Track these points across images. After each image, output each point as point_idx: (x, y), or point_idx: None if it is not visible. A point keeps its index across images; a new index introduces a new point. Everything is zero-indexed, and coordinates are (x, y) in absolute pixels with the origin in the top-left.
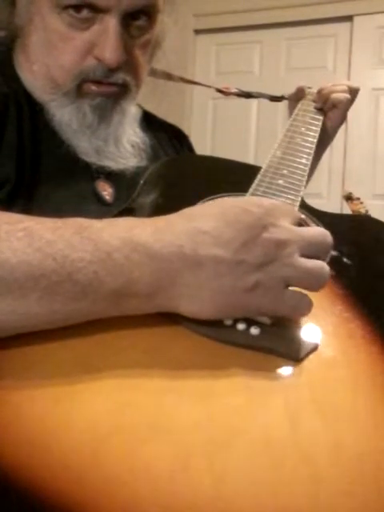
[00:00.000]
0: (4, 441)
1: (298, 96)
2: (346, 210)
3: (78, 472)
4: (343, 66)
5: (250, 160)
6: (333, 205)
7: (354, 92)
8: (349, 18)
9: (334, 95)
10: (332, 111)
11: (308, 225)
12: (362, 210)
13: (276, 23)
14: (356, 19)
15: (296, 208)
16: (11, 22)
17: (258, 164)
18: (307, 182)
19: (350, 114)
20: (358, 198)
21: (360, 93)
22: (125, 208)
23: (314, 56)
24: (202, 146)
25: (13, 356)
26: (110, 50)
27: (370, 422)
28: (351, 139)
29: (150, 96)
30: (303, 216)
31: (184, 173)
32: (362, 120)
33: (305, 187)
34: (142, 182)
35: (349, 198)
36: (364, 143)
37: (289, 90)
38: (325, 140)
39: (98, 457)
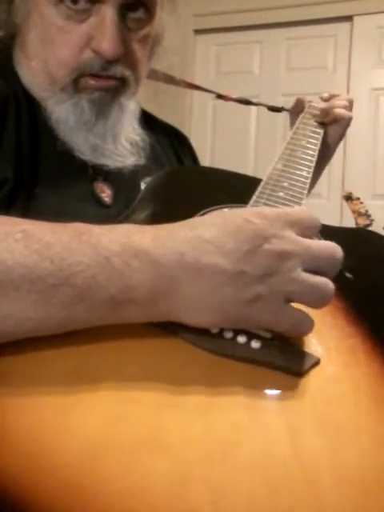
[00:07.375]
0: None
1: (297, 109)
2: (346, 209)
3: (72, 487)
4: (343, 66)
5: (250, 160)
6: (333, 205)
7: (351, 104)
8: (349, 18)
9: (337, 110)
10: (332, 126)
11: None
12: (362, 210)
13: (276, 23)
14: (356, 19)
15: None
16: (9, 20)
17: (258, 164)
18: (308, 193)
19: None
20: (358, 198)
21: (360, 93)
22: (122, 218)
23: (314, 56)
24: (202, 146)
25: (9, 364)
26: (107, 41)
27: (373, 438)
28: (351, 139)
29: (150, 97)
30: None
31: (183, 184)
32: (361, 120)
33: (306, 198)
34: (140, 194)
35: (349, 197)
36: (364, 143)
37: (289, 89)
38: (325, 155)
39: (93, 472)
